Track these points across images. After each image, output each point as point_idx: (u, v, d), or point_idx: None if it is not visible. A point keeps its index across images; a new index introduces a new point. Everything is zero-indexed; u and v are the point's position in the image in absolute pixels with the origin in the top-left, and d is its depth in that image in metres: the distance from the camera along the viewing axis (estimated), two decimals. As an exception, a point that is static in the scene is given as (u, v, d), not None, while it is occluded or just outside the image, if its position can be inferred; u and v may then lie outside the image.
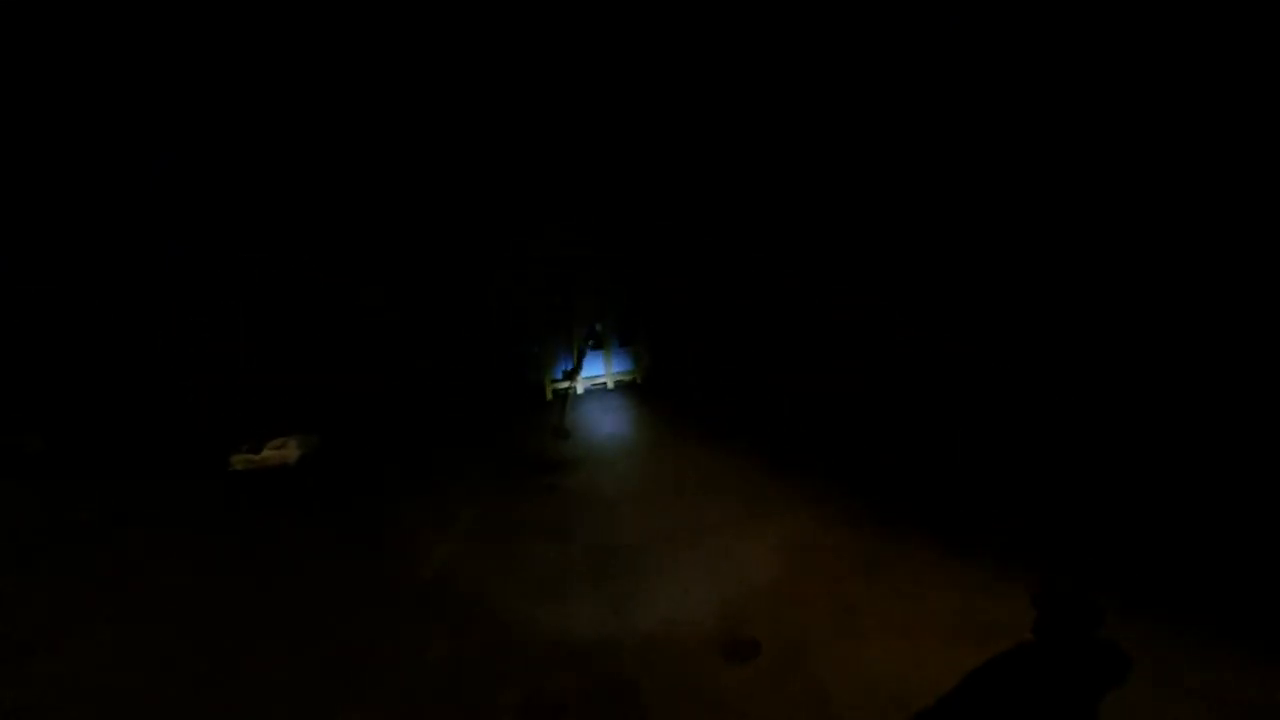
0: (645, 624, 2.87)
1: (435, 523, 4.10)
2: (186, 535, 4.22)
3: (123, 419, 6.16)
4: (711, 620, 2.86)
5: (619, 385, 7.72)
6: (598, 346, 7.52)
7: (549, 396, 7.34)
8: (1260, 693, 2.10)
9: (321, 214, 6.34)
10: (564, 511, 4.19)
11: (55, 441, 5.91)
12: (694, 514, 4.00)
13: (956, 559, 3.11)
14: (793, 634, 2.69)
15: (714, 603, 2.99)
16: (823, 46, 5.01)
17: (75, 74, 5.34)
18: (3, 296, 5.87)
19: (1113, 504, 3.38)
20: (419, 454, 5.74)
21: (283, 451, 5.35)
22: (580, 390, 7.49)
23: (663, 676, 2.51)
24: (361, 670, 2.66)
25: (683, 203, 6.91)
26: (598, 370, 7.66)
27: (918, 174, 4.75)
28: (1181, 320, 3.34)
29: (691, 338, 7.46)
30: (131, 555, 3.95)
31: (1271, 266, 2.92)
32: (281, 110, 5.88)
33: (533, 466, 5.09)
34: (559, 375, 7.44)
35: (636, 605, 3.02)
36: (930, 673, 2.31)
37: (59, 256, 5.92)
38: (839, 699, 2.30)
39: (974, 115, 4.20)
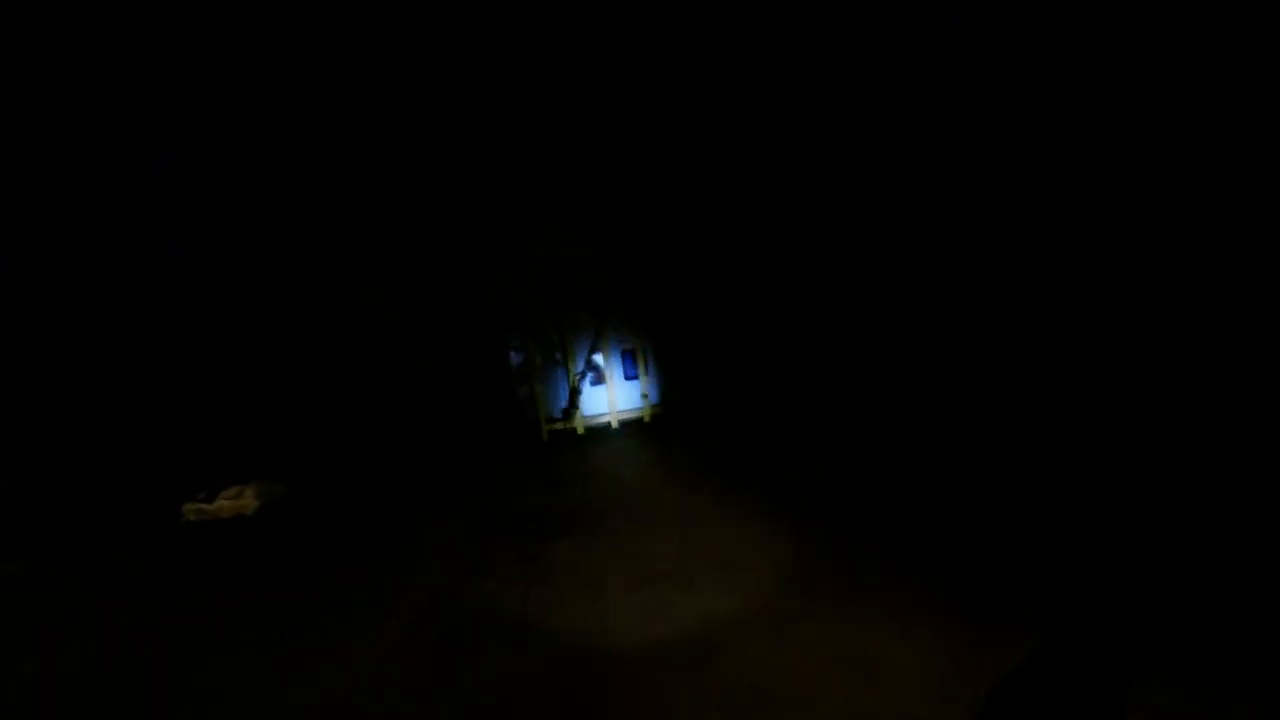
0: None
1: (370, 611, 3.26)
2: (90, 607, 3.71)
3: (91, 448, 5.78)
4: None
5: (625, 425, 6.97)
6: (599, 380, 6.99)
7: (544, 437, 6.68)
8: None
9: (321, 214, 6.34)
10: (536, 598, 3.22)
11: (19, 481, 5.54)
12: (707, 612, 2.91)
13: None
14: None
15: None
16: (823, 46, 5.01)
17: (75, 74, 5.35)
18: None
19: (1118, 532, 3.30)
20: (390, 506, 5.21)
21: (239, 502, 4.93)
22: (581, 431, 6.81)
23: None
24: None
25: (683, 202, 6.91)
26: (600, 408, 7.05)
27: (917, 174, 4.75)
28: (1183, 321, 3.34)
29: (700, 365, 6.95)
30: (21, 625, 3.54)
31: (1272, 267, 2.92)
32: (281, 110, 5.88)
33: (512, 528, 4.34)
34: (557, 414, 6.83)
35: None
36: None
37: (59, 256, 5.92)
38: None
39: (974, 115, 4.19)
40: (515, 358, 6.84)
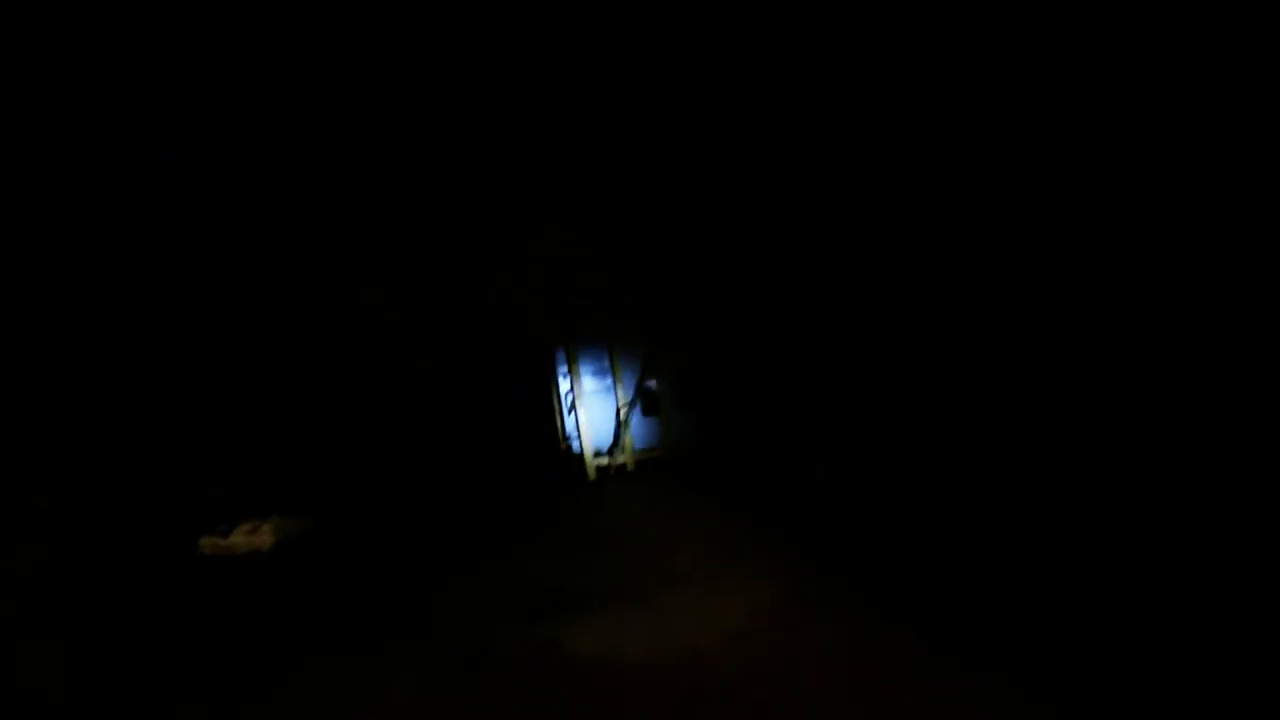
0: None
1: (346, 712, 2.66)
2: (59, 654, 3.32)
3: (128, 465, 5.61)
4: None
5: (641, 465, 6.28)
6: (652, 410, 6.12)
7: (591, 476, 5.97)
8: None
9: (321, 214, 6.34)
10: (542, 715, 2.43)
11: (61, 501, 5.37)
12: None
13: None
14: None
15: None
16: (822, 46, 5.00)
17: (75, 74, 5.35)
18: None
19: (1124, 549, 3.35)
20: (401, 563, 4.56)
21: (254, 538, 4.71)
22: (631, 467, 6.05)
23: None
24: None
25: (683, 202, 6.91)
26: (653, 440, 6.29)
27: (917, 174, 4.74)
28: (1184, 322, 3.34)
29: (720, 400, 6.46)
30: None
31: (1272, 267, 2.91)
32: (281, 110, 5.88)
33: (534, 600, 3.59)
34: (605, 450, 6.09)
35: None
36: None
37: (59, 257, 5.92)
38: None
39: (974, 115, 4.19)
40: (564, 382, 6.36)
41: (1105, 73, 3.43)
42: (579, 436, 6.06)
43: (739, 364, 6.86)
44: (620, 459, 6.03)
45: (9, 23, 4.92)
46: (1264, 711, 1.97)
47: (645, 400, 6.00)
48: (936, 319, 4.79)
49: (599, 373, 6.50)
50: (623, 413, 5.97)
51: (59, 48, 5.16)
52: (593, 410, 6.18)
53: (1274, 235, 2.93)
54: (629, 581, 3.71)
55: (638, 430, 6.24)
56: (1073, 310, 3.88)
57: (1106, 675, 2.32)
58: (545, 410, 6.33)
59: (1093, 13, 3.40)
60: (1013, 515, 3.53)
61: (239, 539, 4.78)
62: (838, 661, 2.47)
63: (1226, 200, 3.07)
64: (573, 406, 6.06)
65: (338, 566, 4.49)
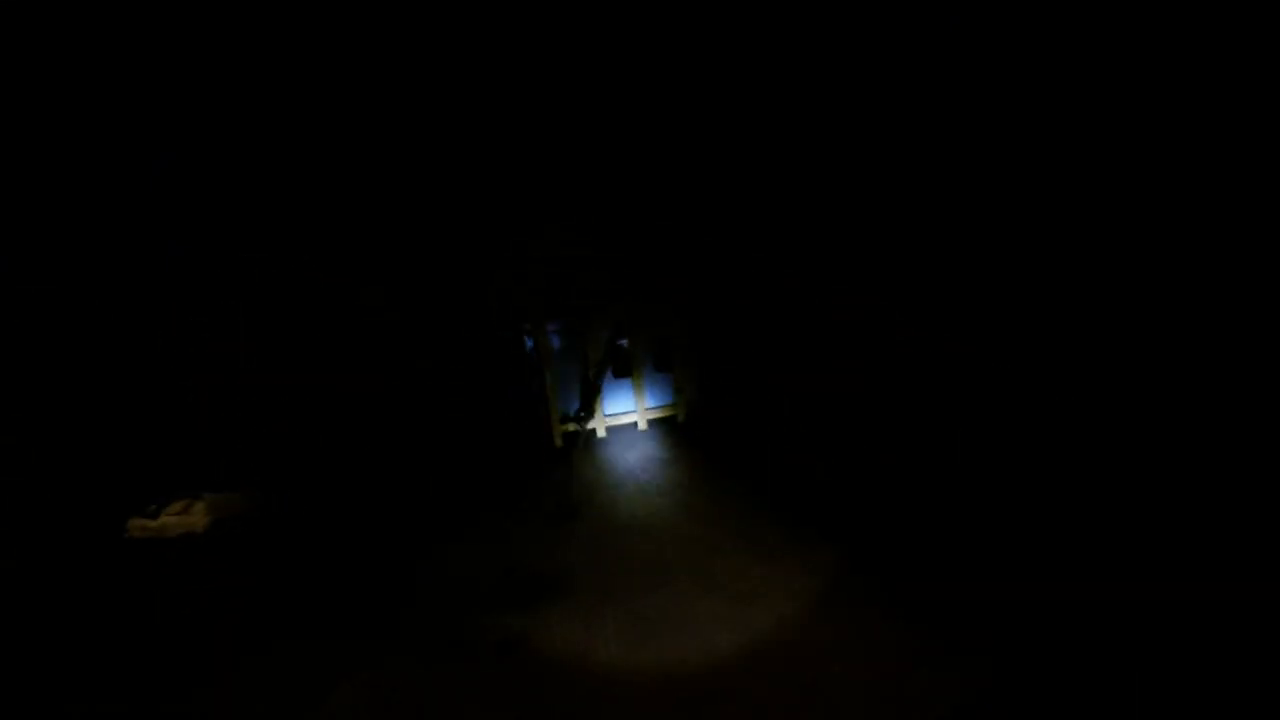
0: None
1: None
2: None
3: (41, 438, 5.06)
4: None
5: (654, 425, 5.85)
6: (624, 372, 5.74)
7: (558, 443, 5.54)
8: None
9: (321, 214, 6.34)
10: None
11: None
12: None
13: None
14: None
15: None
16: (822, 46, 5.00)
17: (75, 73, 5.34)
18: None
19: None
20: (346, 548, 4.19)
21: (186, 518, 4.15)
22: (602, 433, 5.63)
23: None
24: None
25: (683, 202, 6.91)
26: (626, 404, 5.85)
27: (917, 174, 4.74)
28: (1185, 322, 3.34)
29: (737, 358, 6.17)
30: None
31: (1272, 267, 2.92)
32: (281, 110, 5.87)
33: (497, 588, 3.23)
34: (573, 412, 5.61)
35: None
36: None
37: (59, 257, 5.91)
38: None
39: (974, 115, 4.19)
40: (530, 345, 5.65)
41: (1104, 74, 3.43)
42: (544, 400, 5.45)
43: (739, 362, 6.86)
44: (591, 424, 5.52)
45: (9, 23, 4.91)
46: (1264, 711, 1.97)
47: (618, 361, 5.51)
48: (936, 319, 4.79)
49: (565, 331, 5.96)
50: (592, 374, 5.36)
51: (59, 48, 5.15)
52: (559, 371, 5.58)
53: (1273, 235, 2.93)
54: (599, 559, 3.38)
55: (649, 388, 5.79)
56: (1072, 310, 3.88)
57: (1104, 675, 2.32)
58: (512, 372, 5.62)
59: (1092, 13, 3.40)
60: (1012, 514, 3.53)
61: (170, 519, 4.15)
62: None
63: (1226, 200, 3.07)
64: (538, 368, 5.40)
65: (285, 549, 4.12)
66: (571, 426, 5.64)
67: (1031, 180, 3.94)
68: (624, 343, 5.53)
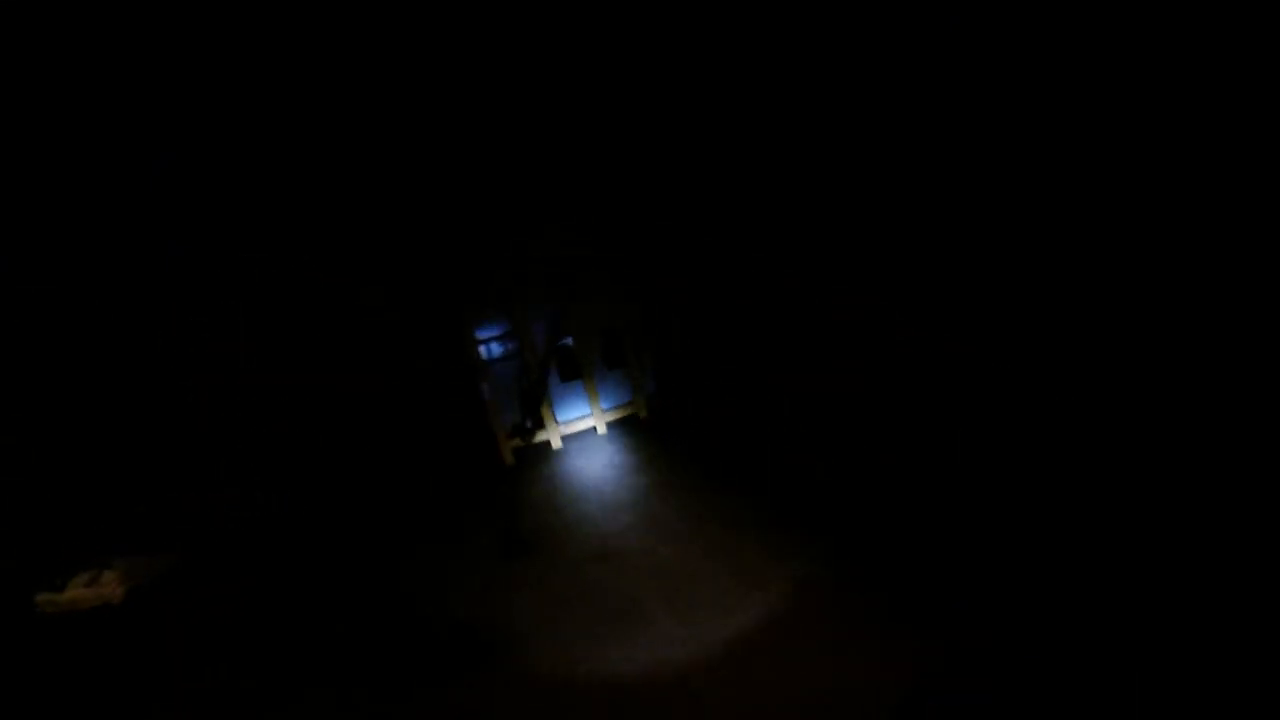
0: None
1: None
2: None
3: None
4: None
5: (614, 427, 5.39)
6: (572, 375, 5.16)
7: (509, 460, 4.88)
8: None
9: (321, 214, 6.33)
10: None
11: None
12: None
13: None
14: None
15: None
16: (822, 45, 5.00)
17: (74, 73, 5.34)
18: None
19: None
20: (278, 606, 3.56)
21: (97, 590, 3.73)
22: (557, 445, 4.99)
23: None
24: None
25: (683, 202, 6.90)
26: (580, 409, 5.34)
27: (917, 174, 4.74)
28: (1185, 322, 3.33)
29: (700, 350, 5.77)
30: None
31: (1272, 267, 2.91)
32: (281, 110, 5.87)
33: (435, 647, 2.65)
34: (527, 426, 4.93)
35: None
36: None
37: (59, 256, 5.90)
38: None
39: (974, 115, 4.19)
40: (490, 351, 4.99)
41: (1103, 74, 3.43)
42: (488, 412, 4.65)
43: (737, 363, 6.85)
44: (542, 436, 4.87)
45: (10, 22, 4.91)
46: (1264, 711, 1.97)
47: (563, 362, 4.92)
48: (936, 319, 4.79)
49: (502, 336, 5.22)
50: (534, 379, 4.74)
51: (59, 48, 5.15)
52: (500, 378, 4.93)
53: (1273, 235, 2.93)
54: (556, 601, 2.77)
55: (602, 389, 5.19)
56: (1071, 311, 3.87)
57: (1104, 675, 2.32)
58: (457, 385, 4.87)
59: (1091, 13, 3.40)
60: (1011, 513, 3.53)
61: (77, 593, 3.76)
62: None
63: (1225, 201, 3.07)
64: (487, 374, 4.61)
65: (209, 613, 3.57)
66: (519, 441, 5.00)
67: (1031, 180, 3.94)
68: (569, 341, 4.94)
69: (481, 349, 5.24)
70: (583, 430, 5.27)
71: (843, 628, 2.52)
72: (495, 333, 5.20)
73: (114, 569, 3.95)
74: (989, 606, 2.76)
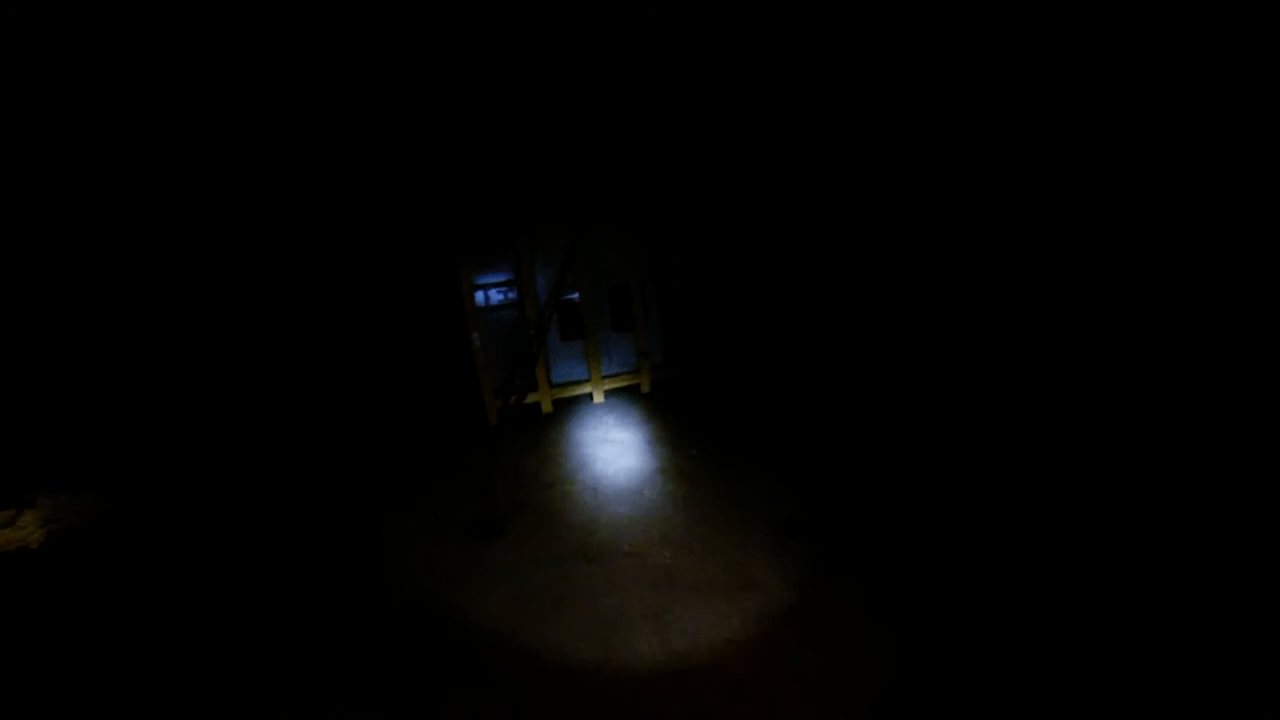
0: None
1: None
2: None
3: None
4: None
5: (613, 396, 4.84)
6: (574, 334, 4.59)
7: (493, 419, 4.34)
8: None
9: (321, 214, 6.31)
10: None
11: None
12: None
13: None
14: None
15: None
16: (822, 45, 4.99)
17: (74, 73, 5.31)
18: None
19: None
20: (238, 560, 3.10)
21: (14, 531, 3.39)
22: (548, 408, 4.49)
23: None
24: None
25: (682, 203, 6.90)
26: (578, 372, 4.83)
27: (917, 174, 4.75)
28: (1185, 323, 3.36)
29: (718, 324, 5.21)
30: None
31: (1272, 267, 2.94)
32: (281, 110, 5.85)
33: (374, 662, 2.19)
34: (516, 384, 4.36)
35: None
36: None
37: (58, 256, 5.87)
38: None
39: (974, 115, 4.20)
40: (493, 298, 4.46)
41: (1102, 74, 3.44)
42: (478, 366, 4.20)
43: (751, 343, 6.86)
44: (532, 398, 4.34)
45: (10, 22, 4.88)
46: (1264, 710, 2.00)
47: (565, 319, 4.35)
48: (936, 319, 4.81)
49: (503, 284, 4.76)
50: (531, 334, 4.16)
51: (59, 48, 5.12)
52: (494, 328, 4.41)
53: (1272, 236, 2.95)
54: (530, 601, 2.39)
55: (606, 352, 4.71)
56: (1072, 310, 3.90)
57: (1101, 674, 2.35)
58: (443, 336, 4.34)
59: (1091, 13, 3.41)
60: (1010, 513, 3.56)
61: None
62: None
63: (1224, 201, 3.09)
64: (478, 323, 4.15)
65: (134, 568, 3.05)
66: (509, 401, 4.39)
67: (1031, 180, 3.96)
68: (574, 296, 4.38)
69: (479, 294, 4.84)
70: (578, 395, 4.75)
71: (829, 623, 2.53)
72: (497, 279, 4.75)
73: (37, 509, 3.51)
74: (973, 600, 2.77)
